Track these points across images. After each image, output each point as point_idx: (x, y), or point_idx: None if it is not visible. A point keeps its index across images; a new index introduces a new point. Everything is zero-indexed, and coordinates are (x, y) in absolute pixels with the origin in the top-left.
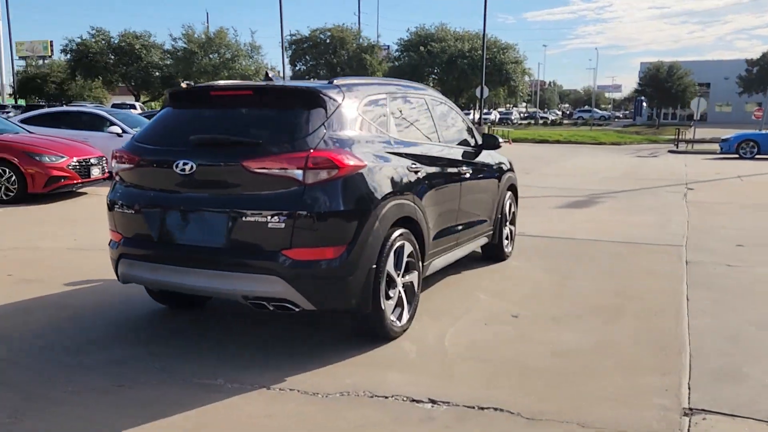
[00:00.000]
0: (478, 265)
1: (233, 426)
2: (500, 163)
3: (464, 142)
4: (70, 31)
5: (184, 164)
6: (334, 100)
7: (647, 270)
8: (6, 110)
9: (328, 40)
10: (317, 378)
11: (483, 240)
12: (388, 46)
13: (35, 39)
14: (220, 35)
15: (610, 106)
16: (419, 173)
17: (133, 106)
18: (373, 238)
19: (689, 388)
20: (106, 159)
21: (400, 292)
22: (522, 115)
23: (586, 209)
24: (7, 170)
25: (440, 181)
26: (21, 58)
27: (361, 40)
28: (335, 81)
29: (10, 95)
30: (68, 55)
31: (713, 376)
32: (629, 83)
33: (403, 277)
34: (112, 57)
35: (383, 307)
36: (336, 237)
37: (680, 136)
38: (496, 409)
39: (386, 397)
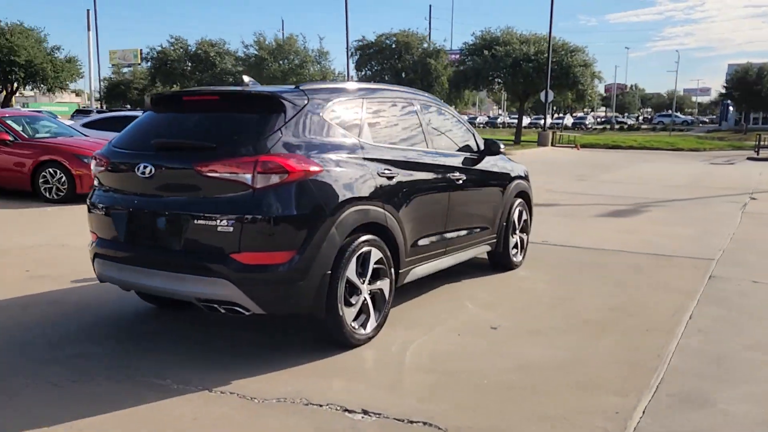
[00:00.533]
0: (481, 274)
1: (154, 426)
2: (507, 170)
3: (462, 149)
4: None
5: (144, 167)
6: (295, 105)
7: (662, 284)
8: (88, 115)
9: (393, 45)
10: (262, 383)
11: (484, 248)
12: (459, 51)
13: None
14: (290, 42)
15: (695, 110)
16: (394, 179)
17: None
18: (327, 243)
19: (643, 412)
20: None
21: (365, 300)
22: (599, 119)
23: (626, 218)
24: (58, 171)
25: (423, 188)
26: (113, 65)
27: (426, 45)
28: (301, 86)
29: (98, 101)
30: (149, 63)
31: (677, 399)
32: (719, 86)
33: (370, 284)
34: (189, 64)
35: (341, 314)
36: (285, 242)
37: (762, 142)
38: (425, 423)
39: (320, 406)
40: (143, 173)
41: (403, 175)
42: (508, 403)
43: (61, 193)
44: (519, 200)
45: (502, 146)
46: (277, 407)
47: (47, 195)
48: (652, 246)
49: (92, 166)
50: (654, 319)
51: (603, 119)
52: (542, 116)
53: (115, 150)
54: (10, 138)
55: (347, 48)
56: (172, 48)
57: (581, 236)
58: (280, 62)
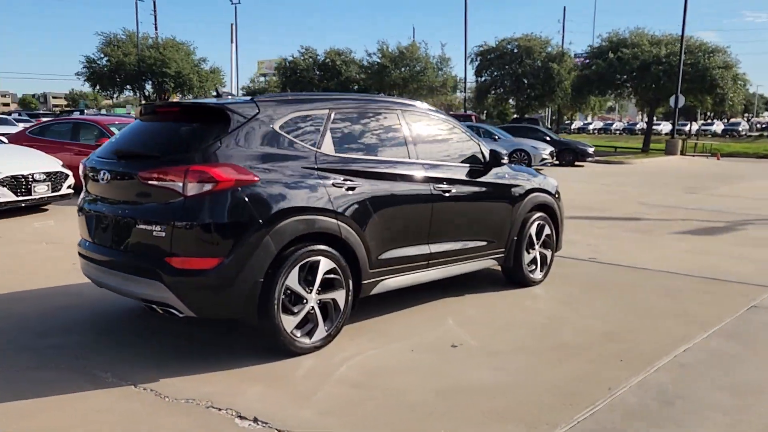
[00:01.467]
0: (492, 289)
1: (63, 413)
2: (520, 182)
3: (463, 160)
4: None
5: (103, 174)
6: (242, 116)
7: (683, 311)
8: None
9: (515, 50)
10: (185, 383)
11: (485, 262)
12: (585, 54)
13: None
14: (412, 49)
15: None
16: (355, 190)
17: None
18: (260, 252)
19: None
20: None
21: (313, 309)
22: (759, 125)
23: (708, 237)
24: None
25: (396, 199)
26: (261, 75)
27: (550, 49)
28: (257, 98)
29: None
30: (280, 72)
31: None
32: None
33: (320, 293)
34: (318, 73)
35: (278, 322)
36: (213, 249)
37: None
38: None
39: (219, 410)
40: (102, 179)
41: (368, 187)
42: (410, 425)
43: None
44: (539, 214)
45: (505, 158)
46: (180, 407)
47: None
48: (712, 269)
49: (80, 173)
50: (640, 348)
51: (764, 125)
52: (687, 122)
53: (94, 158)
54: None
55: (465, 52)
56: (302, 58)
57: (640, 255)
58: (401, 69)
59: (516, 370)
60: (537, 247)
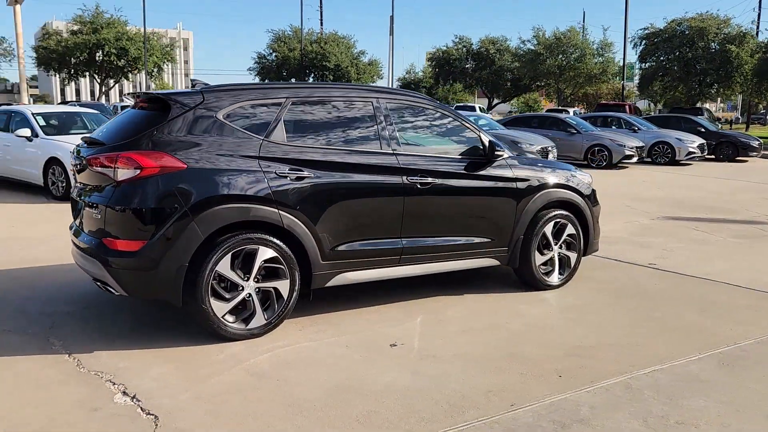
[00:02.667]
0: (499, 290)
1: None
2: (530, 177)
3: (453, 151)
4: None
5: (75, 160)
6: (183, 105)
7: (699, 327)
8: None
9: (686, 32)
10: (110, 357)
11: (483, 261)
12: None
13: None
14: (570, 34)
15: None
16: (305, 180)
17: (474, 108)
18: (185, 237)
19: None
20: None
21: (250, 296)
22: None
23: None
24: None
25: (357, 191)
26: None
27: (729, 29)
28: (205, 88)
29: None
30: (432, 63)
31: None
32: None
33: (260, 281)
34: (471, 62)
35: (206, 306)
36: (137, 232)
37: None
38: (146, 411)
39: (113, 384)
40: (75, 165)
41: (322, 177)
42: (271, 419)
43: None
44: (558, 212)
45: (502, 150)
46: (85, 378)
47: None
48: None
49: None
50: (600, 366)
51: None
52: None
53: (77, 146)
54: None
55: (624, 36)
56: (455, 48)
57: (719, 263)
58: (558, 57)
59: (433, 376)
60: (556, 248)
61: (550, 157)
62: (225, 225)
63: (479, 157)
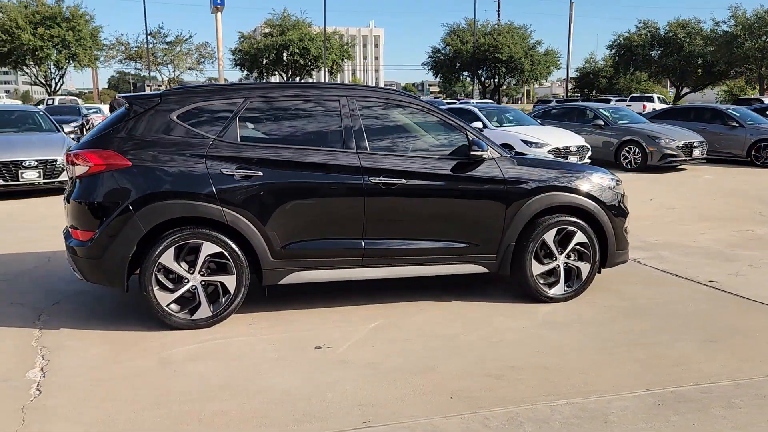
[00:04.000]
0: (491, 299)
1: None
2: (522, 177)
3: (433, 151)
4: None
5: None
6: (140, 107)
7: (687, 357)
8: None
9: None
10: (67, 336)
11: (467, 267)
12: None
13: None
14: None
15: None
16: (253, 178)
17: (652, 99)
18: (128, 230)
19: None
20: None
21: (195, 289)
22: None
23: None
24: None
25: (312, 190)
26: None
27: None
28: (164, 91)
29: (574, 90)
30: (613, 51)
31: None
32: None
33: (207, 275)
34: (657, 49)
35: (150, 295)
36: (88, 223)
37: None
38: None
39: (40, 355)
40: None
41: (273, 176)
42: (113, 403)
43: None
44: (563, 218)
45: (482, 150)
46: (24, 350)
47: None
48: None
49: None
50: (502, 393)
51: None
52: None
53: None
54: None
55: None
56: (637, 33)
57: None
58: (759, 39)
59: (323, 383)
60: (561, 257)
61: (696, 153)
62: (168, 220)
63: (461, 158)
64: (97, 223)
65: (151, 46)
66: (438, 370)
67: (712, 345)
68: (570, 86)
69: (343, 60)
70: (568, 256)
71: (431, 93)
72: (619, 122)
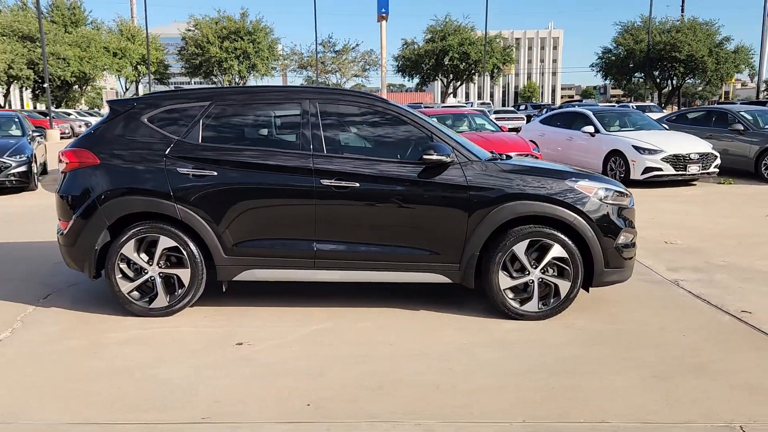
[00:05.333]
0: (472, 312)
1: None
2: (487, 184)
3: (398, 155)
4: None
5: None
6: (117, 110)
7: (608, 393)
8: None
9: None
10: (54, 313)
11: (425, 276)
12: None
13: None
14: None
15: None
16: (206, 177)
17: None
18: (93, 221)
19: None
20: (533, 154)
21: (153, 279)
22: None
23: None
24: None
25: (263, 191)
26: None
27: None
28: (142, 95)
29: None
30: None
31: None
32: None
33: (163, 267)
34: None
35: (113, 282)
36: (64, 214)
37: None
38: None
39: (9, 330)
40: None
41: (226, 176)
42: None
43: None
44: (534, 229)
45: (442, 156)
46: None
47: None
48: None
49: None
50: (360, 405)
51: None
52: None
53: None
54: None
55: None
56: None
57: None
58: None
59: (210, 377)
60: (536, 271)
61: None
62: (130, 214)
63: (418, 162)
64: (71, 214)
65: (320, 55)
66: (326, 377)
67: (655, 382)
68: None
69: (504, 63)
70: (544, 271)
71: (613, 97)
72: (766, 127)
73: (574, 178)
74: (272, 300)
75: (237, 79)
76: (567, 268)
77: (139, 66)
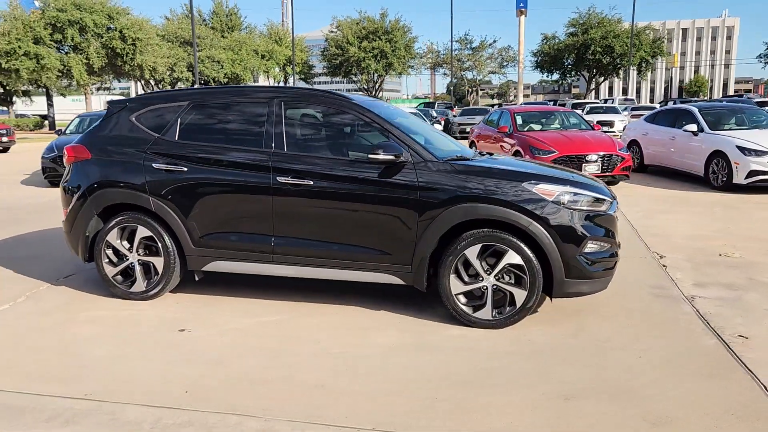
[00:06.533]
0: (419, 314)
1: None
2: (439, 185)
3: (361, 154)
4: None
5: None
6: (113, 109)
7: (459, 408)
8: None
9: None
10: (54, 290)
11: (377, 276)
12: None
13: None
14: None
15: None
16: (177, 173)
17: None
18: (84, 211)
19: None
20: (619, 154)
21: (133, 265)
22: None
23: None
24: None
25: (225, 185)
26: None
27: None
28: (135, 96)
29: None
30: None
31: None
32: None
33: (142, 255)
34: None
35: (100, 266)
36: (65, 203)
37: None
38: None
39: (10, 303)
40: None
41: (195, 171)
42: None
43: None
44: (489, 233)
45: (390, 155)
46: (5, 293)
47: None
48: None
49: None
50: (214, 397)
51: None
52: None
53: None
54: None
55: None
56: None
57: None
58: None
59: (130, 357)
60: (490, 278)
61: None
62: (112, 204)
63: (367, 161)
64: (68, 203)
65: (457, 52)
66: (223, 366)
67: (555, 402)
68: None
69: (653, 57)
70: (500, 278)
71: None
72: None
73: (534, 181)
74: (245, 291)
75: (375, 78)
76: (523, 275)
77: (285, 67)
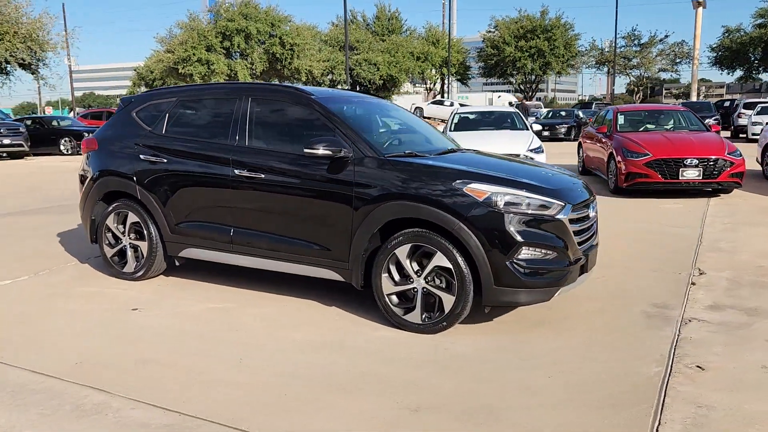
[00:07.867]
0: (362, 314)
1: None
2: (377, 183)
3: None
4: None
5: None
6: (122, 105)
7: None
8: None
9: None
10: (69, 267)
11: (320, 272)
12: None
13: None
14: None
15: None
16: (157, 164)
17: None
18: (90, 197)
19: None
20: (726, 158)
21: (126, 248)
22: None
23: None
24: None
25: (193, 177)
26: None
27: None
28: (140, 93)
29: None
30: None
31: None
32: None
33: (133, 239)
34: None
35: (101, 248)
36: (80, 189)
37: None
38: None
39: (32, 275)
40: None
41: (172, 163)
42: None
43: None
44: (417, 233)
45: (329, 150)
46: (30, 267)
47: None
48: None
49: None
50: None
51: None
52: None
53: None
54: None
55: None
56: None
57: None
58: None
59: (64, 332)
60: (420, 280)
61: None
62: (110, 191)
63: (329, 159)
64: (81, 190)
65: (623, 49)
66: (132, 345)
67: (397, 413)
68: None
69: None
70: (430, 281)
71: None
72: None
73: (465, 180)
74: (220, 277)
75: (532, 78)
76: (452, 280)
77: (441, 68)
